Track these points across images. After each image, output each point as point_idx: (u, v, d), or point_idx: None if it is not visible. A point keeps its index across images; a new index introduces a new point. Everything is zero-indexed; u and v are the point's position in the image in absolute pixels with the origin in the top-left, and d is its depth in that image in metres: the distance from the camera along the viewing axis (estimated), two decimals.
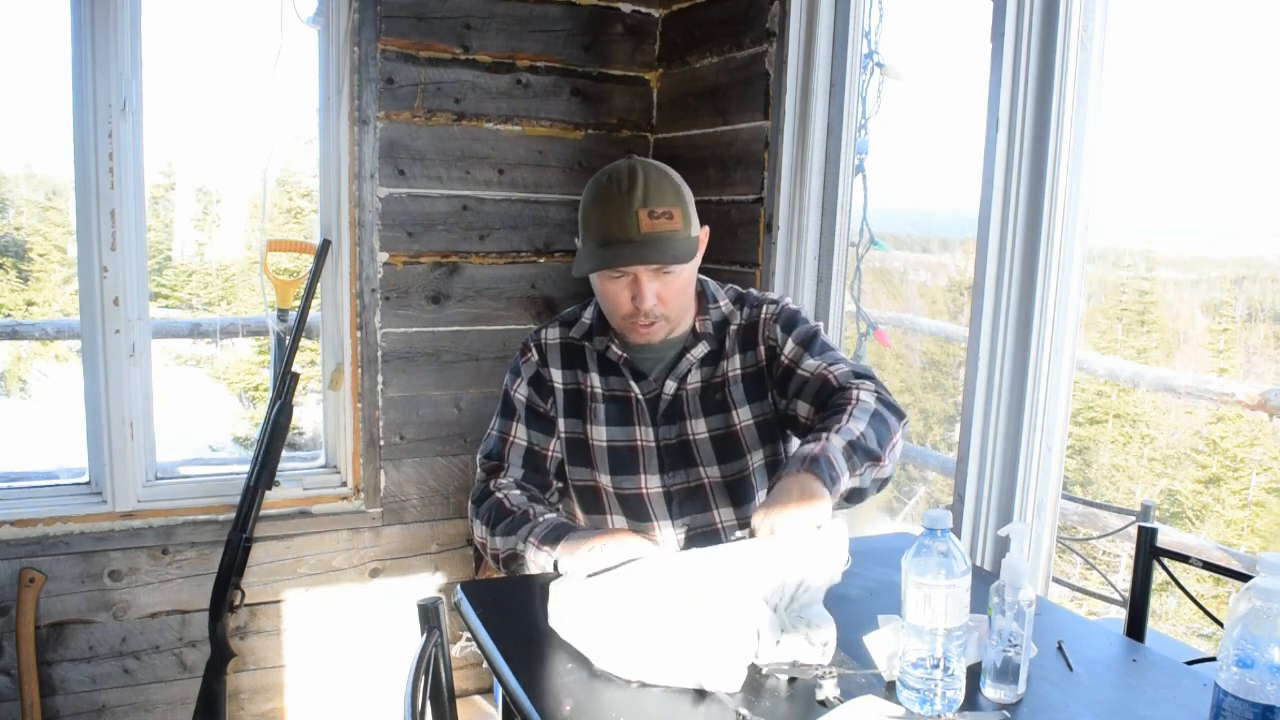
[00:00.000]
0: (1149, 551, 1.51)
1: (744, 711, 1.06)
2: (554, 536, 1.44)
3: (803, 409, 1.52)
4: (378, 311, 2.66)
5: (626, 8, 2.84)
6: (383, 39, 2.55)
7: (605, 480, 1.60)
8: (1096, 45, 1.70)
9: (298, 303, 2.51)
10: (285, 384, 2.44)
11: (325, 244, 2.56)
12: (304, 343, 2.53)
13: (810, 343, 1.56)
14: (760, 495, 1.58)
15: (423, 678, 1.22)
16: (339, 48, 2.53)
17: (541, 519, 1.49)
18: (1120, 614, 1.67)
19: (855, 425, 1.37)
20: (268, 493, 2.43)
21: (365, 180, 2.58)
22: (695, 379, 1.59)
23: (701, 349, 1.58)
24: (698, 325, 1.59)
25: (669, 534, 1.59)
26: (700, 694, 1.10)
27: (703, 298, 1.61)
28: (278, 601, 2.66)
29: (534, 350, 1.65)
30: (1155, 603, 1.55)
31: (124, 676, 2.51)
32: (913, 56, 2.20)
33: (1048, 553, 1.80)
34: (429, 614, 1.29)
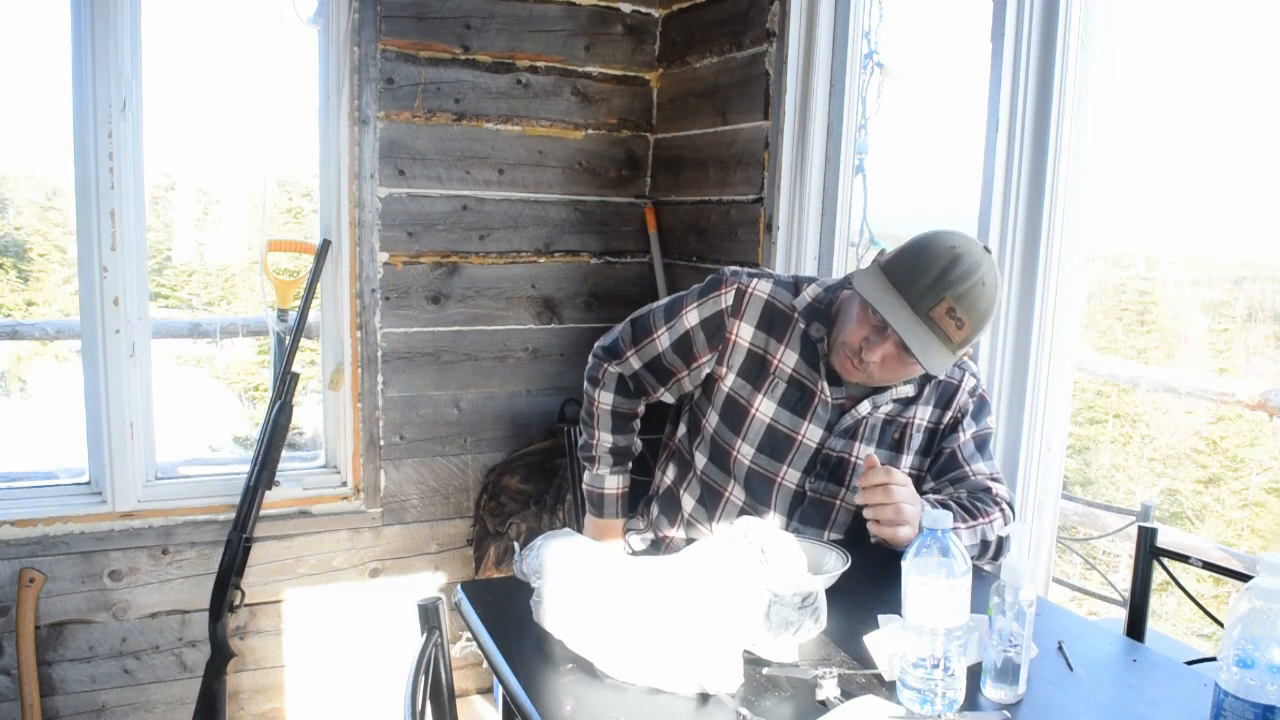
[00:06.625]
0: (1149, 551, 1.51)
1: (744, 711, 1.06)
2: (602, 498, 1.70)
3: (948, 492, 1.62)
4: (378, 311, 2.66)
5: (626, 8, 2.84)
6: (383, 39, 2.55)
7: (747, 452, 1.59)
8: (1096, 45, 1.70)
9: (298, 303, 2.51)
10: (285, 384, 2.44)
11: (325, 244, 2.56)
12: (304, 343, 2.53)
13: (984, 445, 1.65)
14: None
15: (423, 678, 1.21)
16: (339, 48, 2.53)
17: (626, 471, 1.72)
18: (1120, 614, 1.67)
19: (988, 535, 1.53)
20: (268, 493, 2.43)
21: (365, 180, 2.58)
22: (885, 409, 1.60)
23: (908, 389, 1.59)
24: None
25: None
26: (701, 694, 1.10)
27: None
28: (278, 601, 2.66)
29: (731, 293, 1.59)
30: (1155, 603, 1.55)
31: (124, 676, 2.51)
32: (913, 57, 2.20)
33: (1048, 553, 1.80)
34: (429, 614, 1.29)
